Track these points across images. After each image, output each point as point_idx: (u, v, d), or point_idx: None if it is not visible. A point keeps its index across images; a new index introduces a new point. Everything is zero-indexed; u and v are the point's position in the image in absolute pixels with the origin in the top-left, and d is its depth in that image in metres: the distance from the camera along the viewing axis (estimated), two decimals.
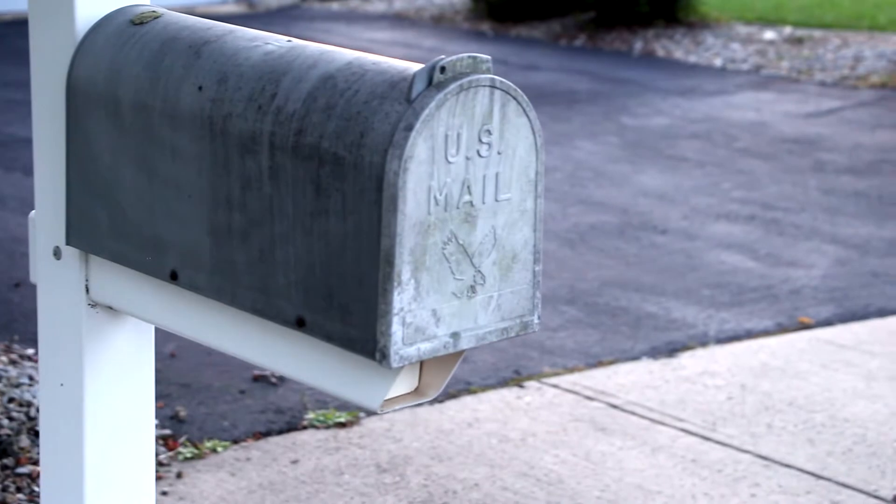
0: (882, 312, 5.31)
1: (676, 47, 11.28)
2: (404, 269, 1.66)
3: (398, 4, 14.15)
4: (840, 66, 10.36)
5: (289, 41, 1.87)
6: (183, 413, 4.30)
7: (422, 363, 1.78)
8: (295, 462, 3.94)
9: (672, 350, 4.88)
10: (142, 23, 1.99)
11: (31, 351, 4.84)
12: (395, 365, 1.69)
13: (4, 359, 4.72)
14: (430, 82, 1.67)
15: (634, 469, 3.87)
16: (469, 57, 1.70)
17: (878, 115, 8.93)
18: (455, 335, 1.74)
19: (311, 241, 1.74)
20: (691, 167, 7.63)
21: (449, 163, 1.68)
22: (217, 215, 1.85)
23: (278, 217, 1.78)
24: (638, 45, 11.39)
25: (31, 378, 4.52)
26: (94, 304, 2.11)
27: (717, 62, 10.79)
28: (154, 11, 2.01)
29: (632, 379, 4.64)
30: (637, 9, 11.61)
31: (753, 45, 11.18)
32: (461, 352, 1.78)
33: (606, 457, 3.97)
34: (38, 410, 4.28)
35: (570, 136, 8.22)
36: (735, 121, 8.78)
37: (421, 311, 1.70)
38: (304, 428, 4.24)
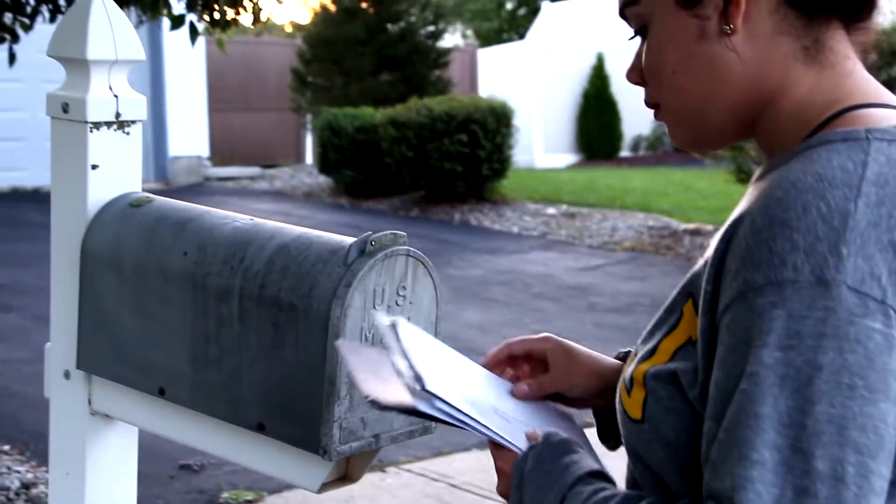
0: None
1: (485, 218, 11.48)
2: (343, 387, 1.68)
3: (278, 183, 14.19)
4: (602, 234, 10.62)
5: (251, 219, 1.89)
6: None
7: (349, 456, 1.79)
8: None
9: None
10: (139, 205, 2.00)
11: (7, 447, 4.69)
12: (334, 459, 1.70)
13: None
14: (362, 251, 1.70)
15: None
16: (391, 233, 1.74)
17: (630, 270, 9.17)
18: (377, 436, 1.75)
19: (270, 367, 1.75)
20: (501, 307, 7.74)
21: (376, 310, 1.71)
22: (197, 347, 1.85)
23: (245, 348, 1.78)
24: (457, 216, 11.55)
25: (8, 468, 4.39)
26: (94, 413, 2.08)
27: (515, 229, 10.99)
28: (147, 197, 2.02)
29: (465, 465, 4.66)
30: (456, 190, 11.79)
31: (540, 218, 11.42)
32: (379, 448, 1.79)
33: None
34: (15, 493, 4.15)
35: None
36: (530, 272, 8.94)
37: (353, 419, 1.71)
38: None
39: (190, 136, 13.95)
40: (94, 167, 2.03)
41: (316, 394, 1.69)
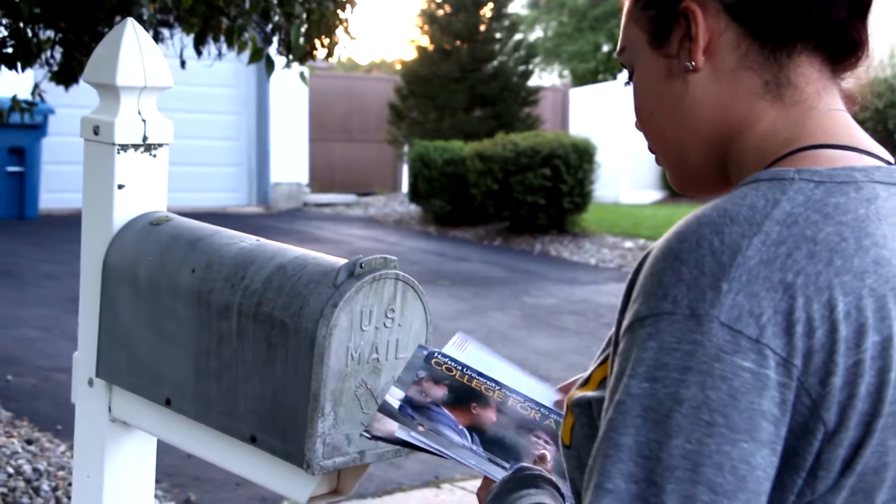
0: None
1: (564, 250, 11.38)
2: (327, 404, 1.66)
3: (371, 210, 14.26)
4: None
5: (257, 240, 1.88)
6: (194, 498, 4.24)
7: (339, 471, 1.77)
8: None
9: None
10: (158, 224, 2.00)
11: None
12: (316, 473, 1.67)
13: (63, 447, 4.63)
14: (351, 274, 1.68)
15: None
16: (381, 257, 1.71)
17: None
18: (361, 453, 1.73)
19: (263, 382, 1.74)
20: (570, 334, 7.65)
21: (363, 331, 1.68)
22: (200, 360, 1.84)
23: (241, 363, 1.77)
24: (538, 247, 11.48)
25: None
26: (114, 420, 2.09)
27: (592, 261, 10.87)
28: (167, 216, 2.03)
29: None
30: (537, 222, 11.73)
31: (618, 251, 11.29)
32: (367, 464, 1.77)
33: None
34: None
35: (486, 309, 8.23)
36: (602, 303, 8.82)
37: (337, 435, 1.69)
38: None
39: (291, 164, 14.12)
40: (120, 187, 2.04)
41: (302, 409, 1.67)
